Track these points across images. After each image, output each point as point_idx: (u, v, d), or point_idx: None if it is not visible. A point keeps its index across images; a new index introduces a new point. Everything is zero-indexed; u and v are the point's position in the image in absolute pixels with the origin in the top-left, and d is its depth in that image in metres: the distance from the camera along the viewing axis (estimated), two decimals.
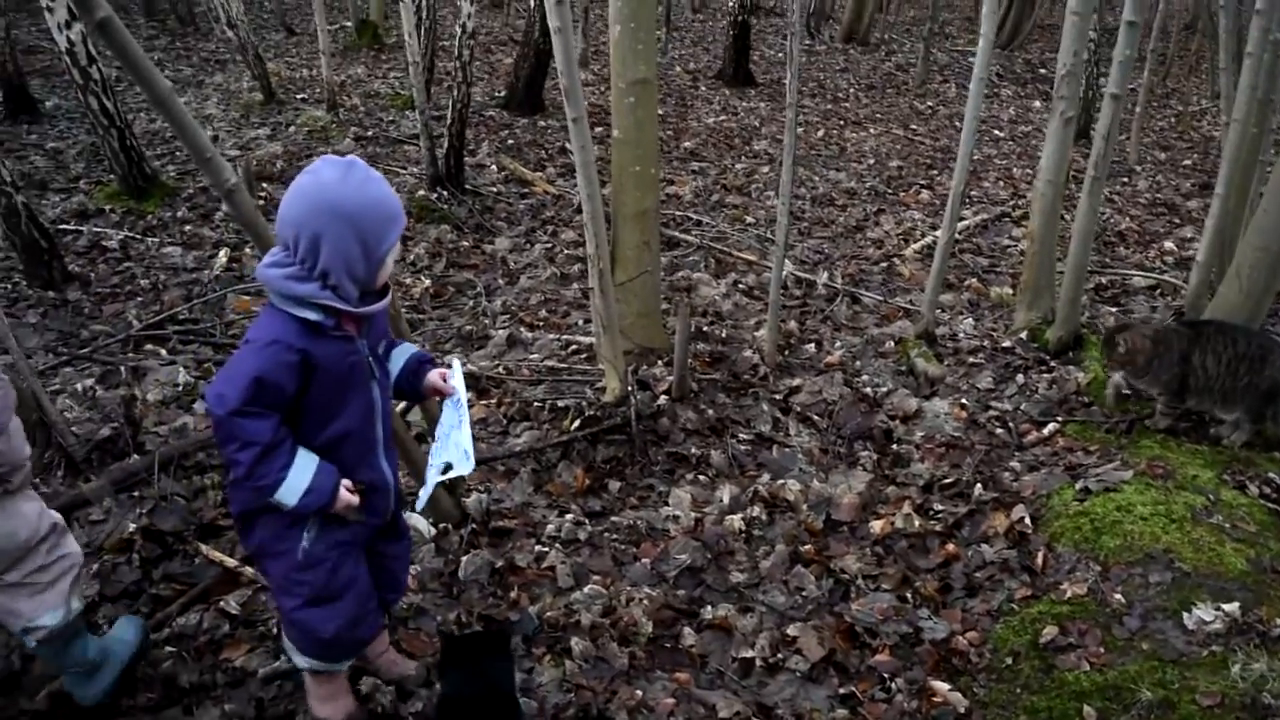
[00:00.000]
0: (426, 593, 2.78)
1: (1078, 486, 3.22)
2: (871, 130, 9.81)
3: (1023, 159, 8.91)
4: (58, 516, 2.18)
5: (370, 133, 8.03)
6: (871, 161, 8.58)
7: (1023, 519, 3.14)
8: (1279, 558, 2.74)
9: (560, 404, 3.80)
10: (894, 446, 3.77)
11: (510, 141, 8.38)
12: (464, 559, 2.90)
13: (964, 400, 4.02)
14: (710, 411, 3.91)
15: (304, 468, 1.88)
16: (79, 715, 2.31)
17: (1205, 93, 12.61)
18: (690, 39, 14.56)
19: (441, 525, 3.05)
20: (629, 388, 3.66)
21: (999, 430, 3.81)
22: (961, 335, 4.74)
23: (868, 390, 4.15)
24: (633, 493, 3.47)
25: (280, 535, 1.99)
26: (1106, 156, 3.95)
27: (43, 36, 10.41)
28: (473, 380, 4.05)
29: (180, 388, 3.98)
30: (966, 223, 6.72)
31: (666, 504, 3.37)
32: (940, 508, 3.34)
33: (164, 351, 4.38)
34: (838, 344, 4.68)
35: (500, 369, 4.23)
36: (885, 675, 2.59)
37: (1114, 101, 3.87)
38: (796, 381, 4.22)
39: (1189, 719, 2.23)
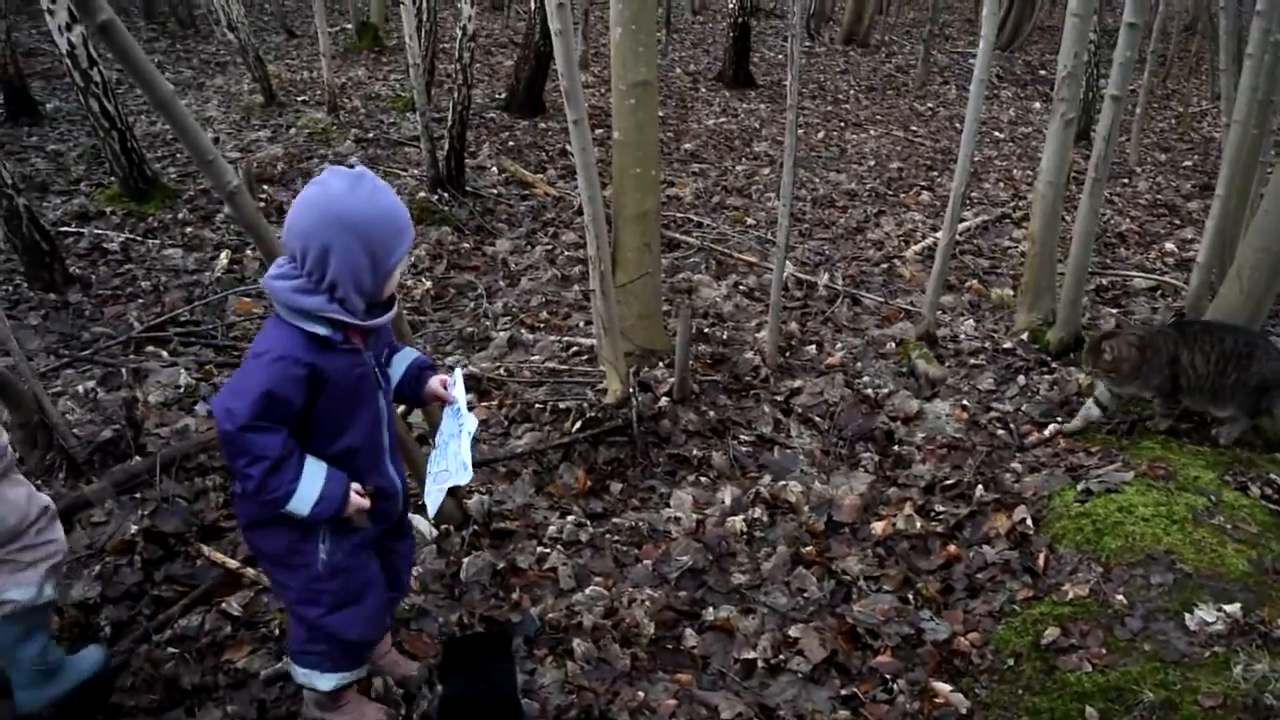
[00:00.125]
0: (428, 594, 2.78)
1: (1079, 488, 3.22)
2: (872, 132, 9.82)
3: (1023, 160, 8.91)
4: (48, 500, 2.16)
5: (371, 135, 8.04)
6: (872, 163, 8.58)
7: (1024, 520, 3.14)
8: None
9: (561, 406, 3.80)
10: (895, 448, 3.77)
11: (511, 143, 8.39)
12: (465, 560, 2.90)
13: (965, 401, 4.02)
14: (711, 413, 3.91)
15: (314, 477, 1.88)
16: (79, 717, 2.31)
17: (1205, 94, 12.61)
18: (690, 41, 14.58)
19: (443, 527, 3.05)
20: (630, 389, 3.66)
21: (1000, 431, 3.81)
22: (962, 336, 4.74)
23: (869, 392, 4.15)
24: (634, 494, 3.47)
25: (295, 548, 1.99)
26: (1107, 158, 3.96)
27: (44, 39, 10.44)
28: (474, 382, 4.05)
29: (181, 389, 3.98)
30: (967, 224, 6.72)
31: (668, 505, 3.37)
32: (942, 509, 3.34)
33: (165, 353, 4.38)
34: (839, 345, 4.68)
35: (501, 371, 4.23)
36: (887, 676, 2.59)
37: (1114, 103, 3.88)
38: (797, 383, 4.22)
39: None
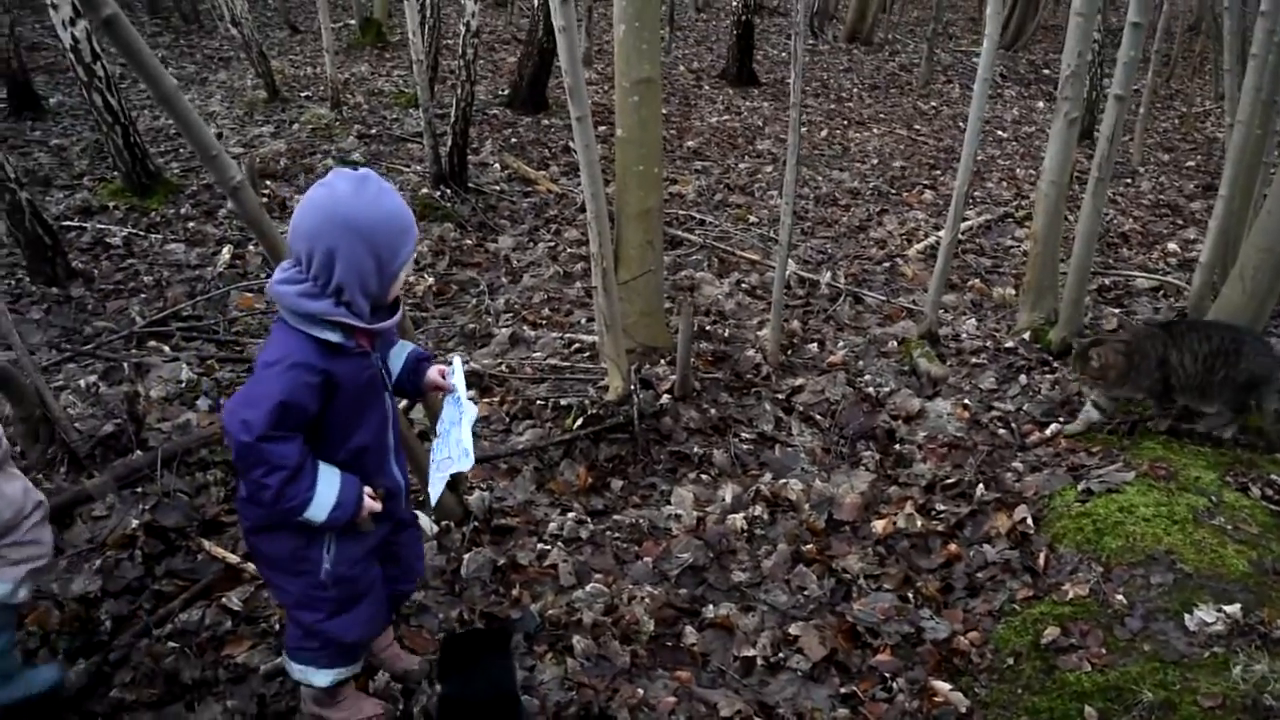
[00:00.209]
0: (429, 590, 2.79)
1: (1080, 487, 3.22)
2: (875, 130, 9.80)
3: (1026, 160, 8.90)
4: (42, 496, 2.15)
5: (374, 131, 8.04)
6: (875, 161, 8.57)
7: (1025, 520, 3.14)
8: None
9: (563, 402, 3.80)
10: (896, 446, 3.77)
11: (514, 140, 8.39)
12: (466, 557, 2.90)
13: (966, 401, 4.02)
14: (713, 411, 3.91)
15: (329, 483, 1.88)
16: (74, 715, 2.32)
17: (1209, 94, 12.58)
18: (694, 38, 14.56)
19: (444, 523, 3.05)
20: (632, 386, 3.67)
21: (1001, 431, 3.81)
22: (964, 335, 4.74)
23: (870, 390, 4.15)
24: (635, 491, 3.47)
25: (300, 555, 1.98)
26: (1110, 157, 3.95)
27: (47, 33, 10.43)
28: (476, 378, 4.05)
29: (183, 384, 3.98)
30: (970, 223, 6.71)
31: (669, 503, 3.37)
32: (942, 508, 3.34)
33: (167, 348, 4.39)
34: (840, 344, 4.68)
35: (503, 367, 4.23)
36: (886, 675, 2.59)
37: (1118, 102, 3.87)
38: (799, 381, 4.22)
39: None
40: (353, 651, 2.17)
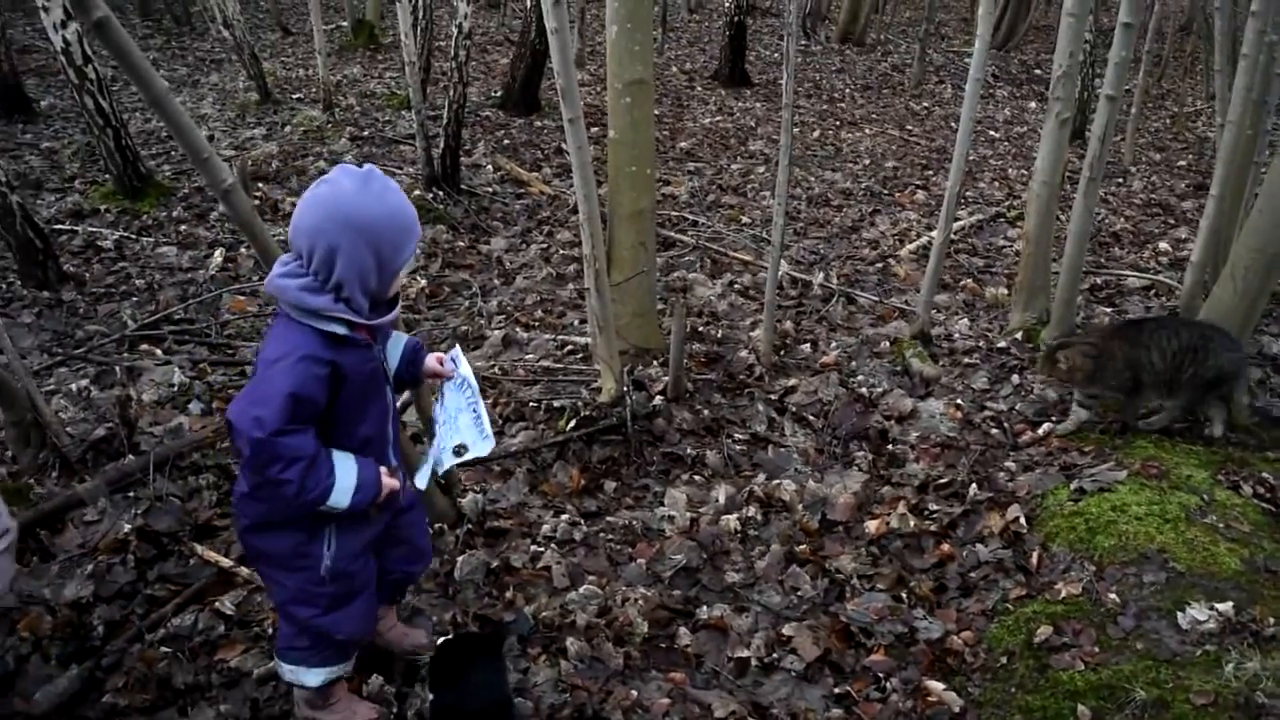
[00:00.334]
0: (422, 593, 2.78)
1: (1072, 486, 3.23)
2: (867, 131, 9.82)
3: (1018, 160, 8.92)
4: (10, 524, 1.96)
5: (366, 133, 8.03)
6: (867, 162, 8.58)
7: (1018, 519, 3.14)
8: (1272, 557, 2.75)
9: (556, 404, 3.80)
10: (889, 447, 3.78)
11: (506, 142, 8.38)
12: (460, 559, 2.89)
13: (959, 400, 4.03)
14: (706, 412, 3.91)
15: (347, 467, 1.88)
16: (72, 716, 2.31)
17: (1200, 94, 12.64)
18: (686, 39, 14.57)
19: (437, 525, 3.05)
20: (624, 388, 3.66)
21: (994, 430, 3.82)
22: (957, 336, 4.75)
23: (863, 390, 4.16)
24: (628, 493, 3.47)
25: (302, 550, 1.98)
26: (1102, 157, 3.96)
27: (38, 36, 10.40)
28: None
29: (176, 388, 3.97)
30: (962, 223, 6.73)
31: (662, 504, 3.37)
32: (935, 508, 3.34)
33: (159, 352, 4.37)
34: (833, 344, 4.68)
35: (496, 369, 4.23)
36: (880, 675, 2.59)
37: (1109, 103, 3.88)
38: (792, 382, 4.23)
39: (1183, 718, 2.23)
40: (343, 650, 2.17)
